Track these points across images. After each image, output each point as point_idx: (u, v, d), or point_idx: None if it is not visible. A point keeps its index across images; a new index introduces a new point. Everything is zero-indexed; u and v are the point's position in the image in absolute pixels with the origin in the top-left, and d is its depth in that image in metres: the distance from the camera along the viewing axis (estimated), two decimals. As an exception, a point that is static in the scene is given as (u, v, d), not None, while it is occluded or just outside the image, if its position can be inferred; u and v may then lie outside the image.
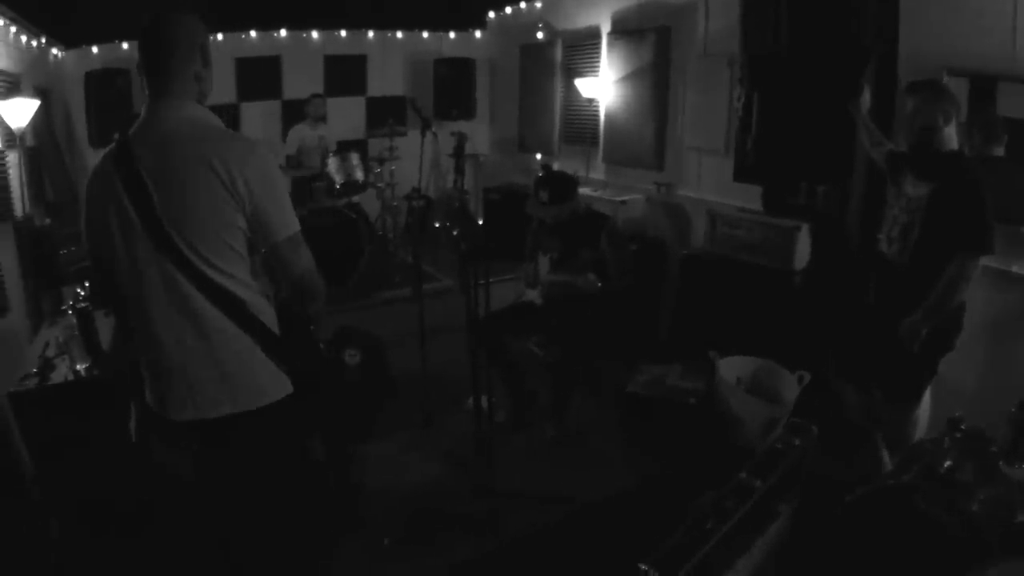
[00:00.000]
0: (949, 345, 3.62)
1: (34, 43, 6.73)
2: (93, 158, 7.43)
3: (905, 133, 3.65)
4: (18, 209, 5.24)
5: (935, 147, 3.50)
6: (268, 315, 2.37)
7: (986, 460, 2.88)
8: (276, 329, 2.39)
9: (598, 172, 7.97)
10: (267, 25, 8.72)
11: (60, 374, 3.42)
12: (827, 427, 3.47)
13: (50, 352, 3.63)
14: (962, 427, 3.04)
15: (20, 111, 5.21)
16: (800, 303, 5.05)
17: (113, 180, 2.18)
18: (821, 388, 4.35)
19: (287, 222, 2.29)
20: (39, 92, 6.31)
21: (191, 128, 2.21)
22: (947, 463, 2.91)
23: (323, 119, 8.67)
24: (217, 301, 2.22)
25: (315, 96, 8.55)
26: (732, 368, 4.72)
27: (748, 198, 5.79)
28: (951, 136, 3.50)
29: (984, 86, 4.21)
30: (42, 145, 6.44)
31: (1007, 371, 4.24)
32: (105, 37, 7.98)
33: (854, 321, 4.13)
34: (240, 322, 2.27)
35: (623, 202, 7.04)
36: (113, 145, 2.24)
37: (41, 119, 5.85)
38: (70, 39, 7.80)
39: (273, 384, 2.38)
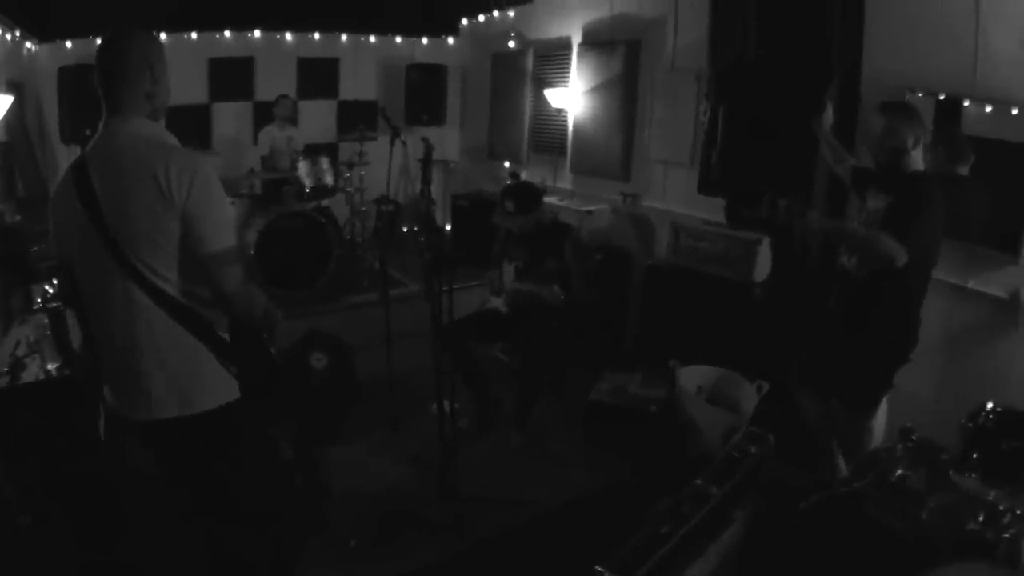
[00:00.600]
0: (904, 357, 3.70)
1: (8, 36, 6.67)
2: (65, 154, 7.50)
3: (873, 151, 3.69)
4: (-12, 205, 5.19)
5: (901, 167, 3.54)
6: (214, 320, 2.42)
7: (937, 469, 2.98)
8: (225, 332, 2.46)
9: (565, 181, 8.05)
10: (241, 26, 8.71)
11: (31, 373, 3.43)
12: (785, 435, 3.57)
13: (21, 351, 3.63)
14: (914, 437, 3.15)
15: (-6, 106, 5.13)
16: (760, 314, 5.17)
17: (71, 193, 2.28)
18: (780, 397, 4.45)
19: (218, 237, 2.32)
20: (12, 86, 6.25)
21: (139, 143, 2.30)
22: (899, 471, 3.01)
23: (292, 120, 8.69)
24: (162, 305, 2.29)
25: (282, 97, 8.55)
26: (693, 377, 4.82)
27: (712, 210, 5.87)
28: (917, 157, 3.55)
29: (949, 105, 4.33)
30: (14, 140, 6.38)
31: (961, 383, 4.37)
32: (80, 32, 7.87)
33: (814, 332, 4.23)
34: (186, 325, 2.34)
35: (589, 212, 7.12)
36: (74, 159, 2.37)
37: (14, 114, 5.80)
38: (45, 33, 7.71)
39: (220, 388, 2.44)
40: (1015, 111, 4.06)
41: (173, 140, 2.40)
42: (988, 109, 4.18)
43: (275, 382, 2.75)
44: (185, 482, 2.61)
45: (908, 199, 3.44)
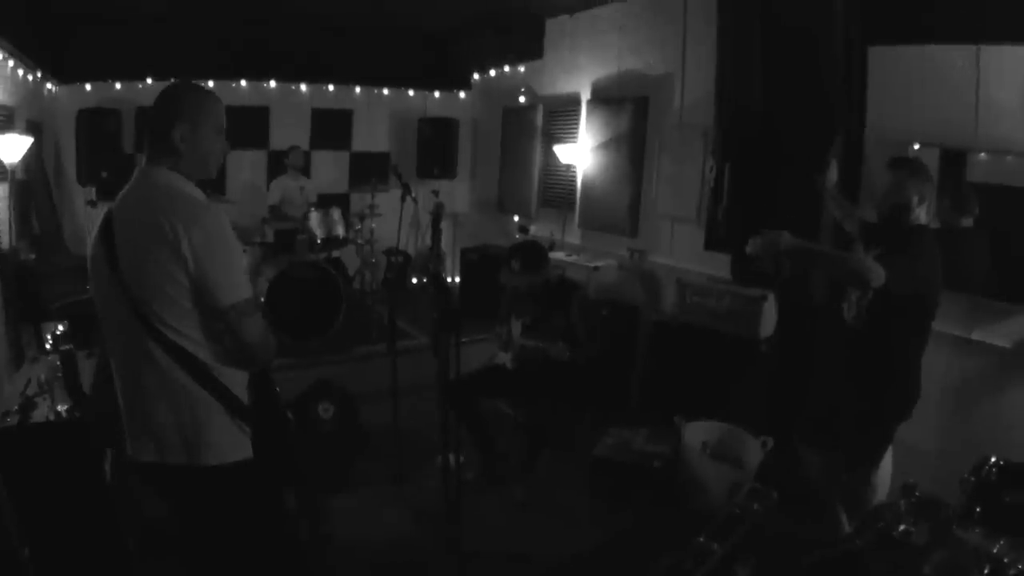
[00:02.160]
0: (905, 413, 3.70)
1: (29, 77, 6.82)
2: (81, 194, 7.68)
3: (878, 206, 3.69)
4: (4, 242, 5.26)
5: (904, 223, 3.54)
6: (229, 375, 2.39)
7: (940, 524, 2.97)
8: (241, 390, 2.44)
9: (573, 236, 8.11)
10: (258, 76, 8.88)
11: (41, 413, 3.46)
12: (788, 491, 3.57)
13: (31, 390, 3.66)
14: (917, 492, 3.15)
15: (13, 147, 5.26)
16: (766, 370, 5.18)
17: (99, 243, 2.33)
18: (784, 453, 4.46)
19: (232, 288, 2.29)
20: (32, 126, 6.38)
21: (155, 194, 2.30)
22: (902, 527, 3.00)
23: (304, 171, 8.80)
24: (176, 358, 2.28)
25: (294, 148, 8.71)
26: (698, 433, 4.82)
27: (719, 266, 5.94)
28: (921, 214, 3.54)
29: (953, 156, 4.41)
30: (31, 179, 6.47)
31: (964, 435, 4.38)
32: (99, 75, 8.11)
33: (815, 387, 4.24)
34: (198, 380, 2.31)
35: (596, 268, 7.18)
36: (108, 207, 2.40)
37: (32, 153, 5.89)
38: (65, 75, 7.92)
39: (229, 446, 2.41)
40: (1015, 158, 4.14)
41: (194, 192, 2.37)
42: (991, 157, 4.26)
43: (288, 445, 2.74)
44: (192, 530, 2.60)
45: (899, 245, 3.47)
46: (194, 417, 2.33)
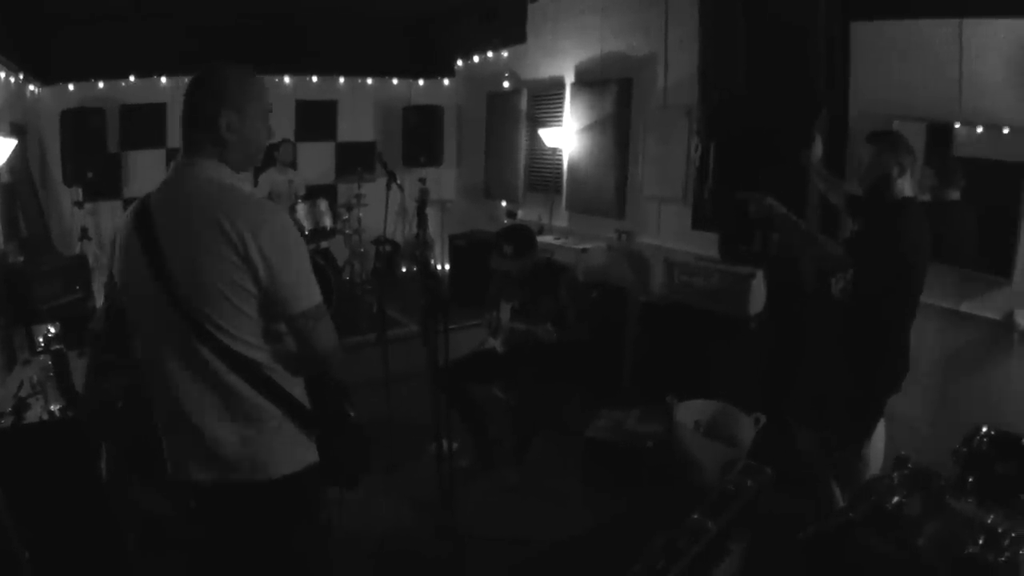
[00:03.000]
0: (895, 387, 3.72)
1: (11, 79, 6.77)
2: (67, 195, 7.65)
3: (861, 180, 3.73)
4: (-8, 244, 5.22)
5: (887, 195, 3.57)
6: (288, 380, 2.24)
7: (933, 495, 3.00)
8: (300, 392, 2.29)
9: (561, 220, 8.12)
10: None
11: (35, 414, 3.46)
12: (782, 467, 3.59)
13: (24, 391, 3.66)
14: (909, 464, 3.17)
15: (-3, 149, 5.20)
16: (756, 347, 5.20)
17: (133, 239, 2.13)
18: (777, 429, 4.48)
19: (304, 294, 2.14)
20: (15, 128, 6.34)
21: (207, 188, 2.11)
22: (895, 499, 3.02)
23: (292, 164, 8.78)
24: (234, 367, 2.11)
25: (284, 141, 8.65)
26: (690, 412, 4.84)
27: (706, 245, 5.96)
28: (904, 185, 3.57)
29: (939, 129, 4.43)
30: (17, 182, 6.44)
31: (956, 407, 4.41)
32: (82, 75, 8.08)
33: (806, 363, 4.26)
34: (261, 390, 2.15)
35: (584, 250, 7.18)
36: (137, 201, 2.20)
37: (17, 156, 5.84)
38: (47, 76, 7.89)
39: (297, 454, 2.27)
40: (1003, 131, 4.15)
41: (247, 187, 2.22)
42: (976, 131, 4.27)
43: (359, 445, 2.55)
44: (235, 547, 2.33)
45: (879, 225, 3.51)
46: (259, 430, 2.17)
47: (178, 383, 2.13)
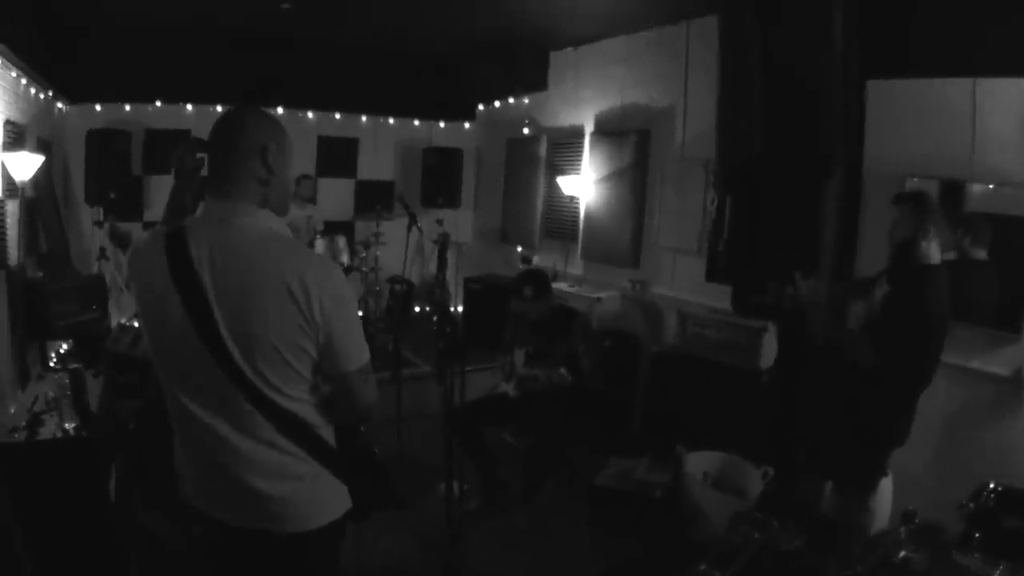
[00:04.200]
0: (899, 440, 3.73)
1: (41, 96, 6.88)
2: (88, 215, 7.76)
3: (889, 239, 3.76)
4: (13, 258, 5.26)
5: (913, 259, 3.58)
6: (326, 430, 2.18)
7: (939, 550, 3.01)
8: (331, 435, 2.21)
9: (576, 268, 8.15)
10: (264, 102, 8.94)
11: (48, 430, 3.48)
12: (788, 519, 3.59)
13: (39, 407, 3.69)
14: (916, 519, 3.18)
15: (24, 164, 5.29)
16: (766, 400, 5.21)
17: (164, 275, 1.99)
18: (785, 482, 4.48)
19: (359, 351, 2.10)
20: (42, 144, 6.42)
21: (266, 240, 2.01)
22: (902, 553, 3.04)
23: (312, 200, 8.86)
24: (278, 423, 2.03)
25: (304, 177, 8.74)
26: (699, 463, 4.83)
27: (720, 298, 5.99)
28: (930, 249, 3.57)
29: (952, 188, 4.48)
30: (40, 198, 6.51)
31: (963, 463, 4.38)
32: (110, 96, 8.21)
33: (815, 416, 4.27)
34: (304, 444, 2.09)
35: (599, 298, 7.21)
36: (161, 232, 2.07)
37: (41, 172, 5.89)
38: (75, 95, 8.01)
39: (335, 503, 2.21)
40: (1012, 189, 4.22)
41: (289, 233, 2.16)
42: (988, 188, 4.34)
43: (383, 482, 2.47)
44: None
45: (903, 290, 3.53)
46: (301, 486, 2.10)
47: (214, 432, 2.03)
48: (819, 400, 4.26)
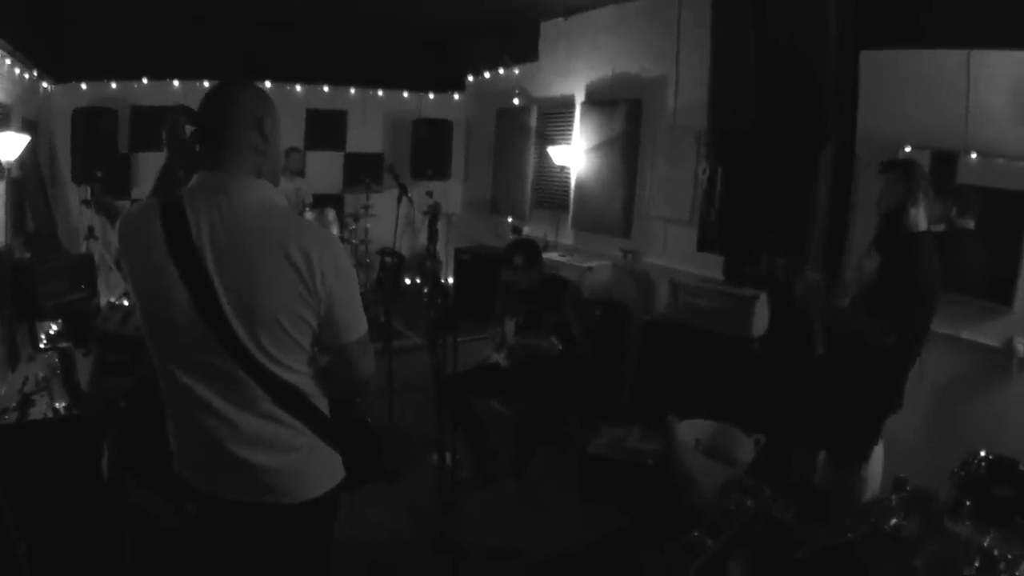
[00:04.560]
0: (893, 409, 3.75)
1: (26, 75, 6.81)
2: (75, 194, 7.69)
3: (876, 209, 3.75)
4: (0, 240, 5.26)
5: (902, 227, 3.58)
6: (322, 401, 2.19)
7: (931, 517, 3.04)
8: (326, 407, 2.22)
9: (567, 237, 8.16)
10: (252, 76, 8.86)
11: (39, 410, 3.46)
12: (780, 487, 3.61)
13: (29, 388, 3.67)
14: (907, 487, 3.20)
15: (10, 144, 5.24)
16: (758, 369, 5.23)
17: (160, 247, 1.96)
18: (776, 450, 4.50)
19: (359, 322, 2.11)
20: (28, 124, 6.37)
21: (266, 211, 2.00)
22: (893, 521, 3.06)
23: (301, 173, 8.82)
24: (277, 395, 2.03)
25: (293, 150, 8.71)
26: (691, 431, 4.86)
27: (711, 267, 5.99)
28: (918, 217, 3.57)
29: (945, 159, 4.48)
30: (26, 177, 6.45)
31: (954, 432, 4.46)
32: (95, 74, 8.14)
33: (806, 387, 4.29)
34: (301, 415, 2.10)
35: (590, 268, 7.23)
36: (154, 203, 2.05)
37: (27, 151, 5.83)
38: (61, 74, 7.94)
39: (329, 474, 2.22)
40: (1008, 161, 4.21)
41: (286, 203, 2.14)
42: (981, 160, 4.34)
43: (376, 451, 2.53)
44: (244, 556, 2.26)
45: (894, 258, 3.54)
46: (297, 457, 2.11)
47: (211, 406, 2.03)
48: (811, 370, 4.27)
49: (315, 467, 2.18)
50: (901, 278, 3.49)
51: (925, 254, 3.54)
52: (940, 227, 4.26)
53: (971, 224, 4.39)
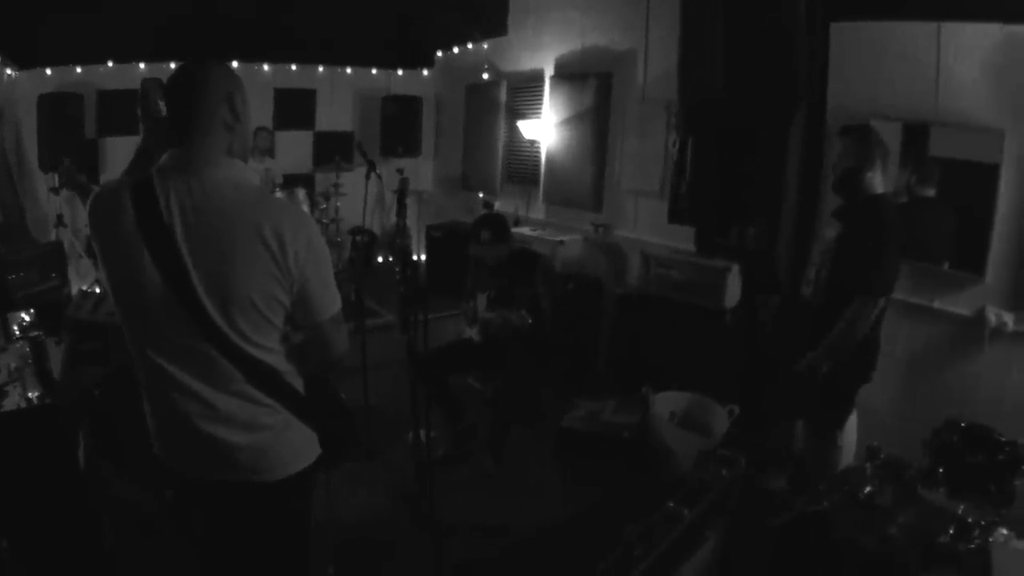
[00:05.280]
0: (866, 377, 3.80)
1: (-12, 63, 6.69)
2: (43, 181, 7.53)
3: (832, 172, 3.83)
4: (-33, 232, 5.17)
5: (858, 190, 3.64)
6: (295, 378, 2.19)
7: (904, 485, 3.08)
8: (301, 385, 2.23)
9: (538, 212, 8.16)
10: (220, 55, 8.77)
11: (12, 401, 3.42)
12: (754, 457, 3.65)
13: (1, 379, 3.62)
14: (881, 455, 3.24)
15: (-26, 133, 5.14)
16: (730, 340, 5.26)
17: (129, 226, 1.94)
18: (750, 420, 4.54)
19: (332, 300, 2.12)
20: (-9, 112, 6.28)
21: (238, 191, 1.99)
22: (867, 489, 3.10)
23: (270, 152, 8.74)
24: (251, 374, 2.04)
25: (261, 129, 8.60)
26: (666, 403, 4.89)
27: (682, 239, 6.01)
28: (874, 180, 3.62)
29: (917, 130, 4.52)
30: (-8, 167, 6.38)
31: (928, 400, 4.51)
32: (60, 60, 7.97)
33: (779, 358, 4.33)
34: (274, 393, 2.10)
35: (561, 242, 7.22)
36: (126, 182, 2.03)
37: (-7, 140, 5.80)
38: (24, 60, 7.76)
39: (304, 452, 2.23)
40: (974, 133, 4.24)
41: (259, 182, 2.13)
42: (952, 131, 4.37)
43: (350, 428, 2.55)
44: (224, 537, 2.27)
45: (865, 231, 3.57)
46: (272, 435, 2.12)
47: (185, 386, 2.02)
48: (785, 340, 4.31)
49: (290, 445, 2.18)
50: (866, 241, 3.54)
51: (886, 212, 3.60)
52: (903, 199, 4.32)
53: (932, 192, 4.44)
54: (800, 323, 4.09)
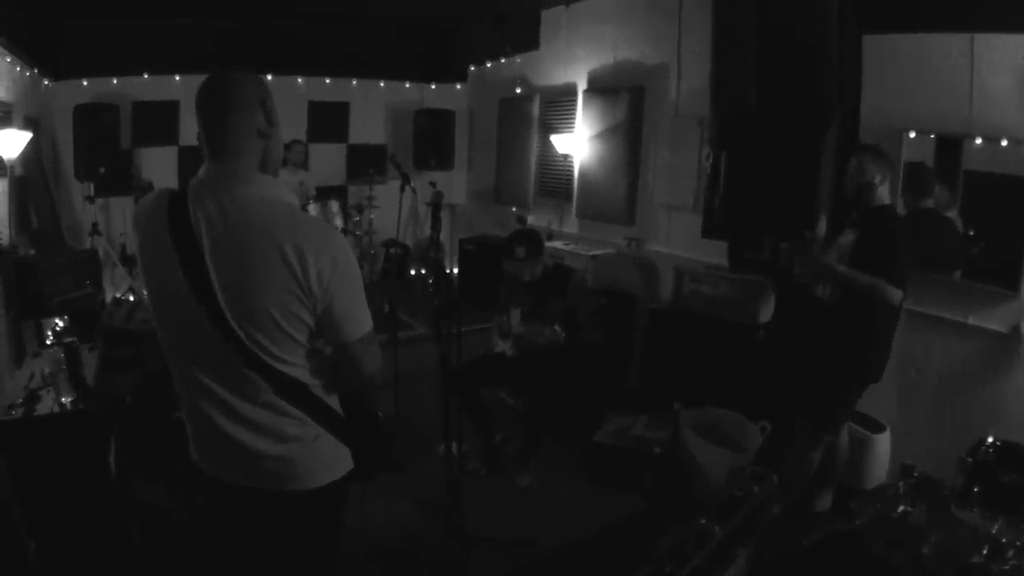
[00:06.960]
0: (863, 380, 3.94)
1: (26, 73, 6.80)
2: (78, 190, 7.70)
3: (847, 187, 3.99)
4: (4, 237, 5.24)
5: (870, 201, 3.86)
6: (324, 391, 2.19)
7: (938, 504, 3.04)
8: (335, 401, 2.24)
9: (571, 226, 8.15)
10: (254, 69, 8.82)
11: (45, 406, 3.47)
12: (787, 474, 3.62)
13: (35, 384, 3.68)
14: (915, 473, 3.20)
15: (12, 142, 5.25)
16: (763, 356, 5.22)
17: (165, 236, 1.97)
18: (782, 437, 4.51)
19: (361, 321, 2.10)
20: (29, 122, 6.35)
21: (261, 206, 1.98)
22: (901, 507, 3.07)
23: (303, 165, 8.82)
24: (279, 386, 2.05)
25: (296, 142, 8.69)
26: (697, 419, 4.86)
27: (716, 254, 5.98)
28: (884, 191, 3.86)
29: (950, 142, 4.50)
30: (29, 175, 6.46)
31: (962, 418, 4.45)
32: (96, 71, 8.13)
33: (801, 369, 4.36)
34: (302, 405, 2.11)
35: (594, 256, 7.21)
36: (163, 193, 2.05)
37: (30, 149, 5.83)
38: (61, 71, 7.94)
39: (335, 464, 2.23)
40: (1010, 144, 4.22)
41: (293, 199, 2.10)
42: (986, 145, 4.32)
43: (388, 451, 2.50)
44: (253, 545, 2.29)
45: (877, 234, 3.75)
46: (301, 446, 2.12)
47: (214, 394, 2.06)
48: (810, 352, 4.30)
49: (319, 458, 2.18)
50: (879, 244, 3.72)
51: (894, 220, 3.85)
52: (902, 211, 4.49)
53: (930, 203, 4.53)
54: (814, 323, 4.15)
